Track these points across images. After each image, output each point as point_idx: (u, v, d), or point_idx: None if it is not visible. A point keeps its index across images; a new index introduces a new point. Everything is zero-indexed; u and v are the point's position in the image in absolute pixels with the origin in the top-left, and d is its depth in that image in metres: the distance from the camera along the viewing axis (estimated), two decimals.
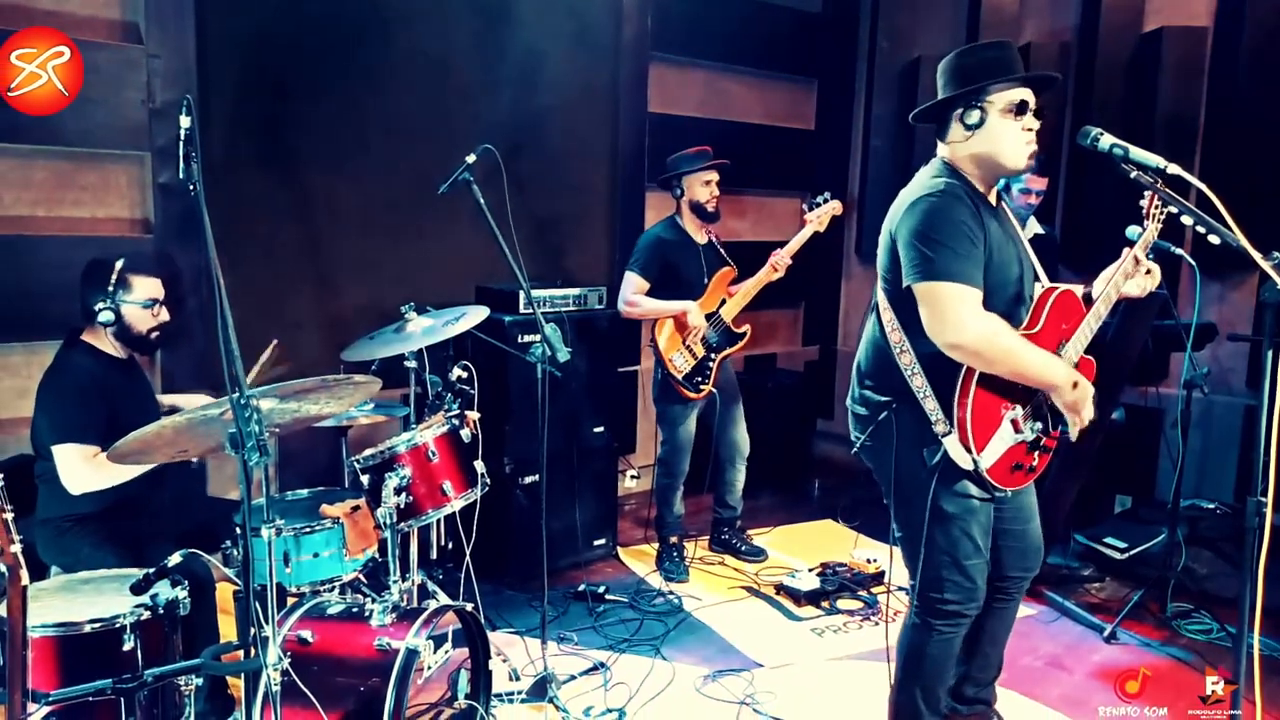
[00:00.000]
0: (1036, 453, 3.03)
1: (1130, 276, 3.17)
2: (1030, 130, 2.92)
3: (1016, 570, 3.30)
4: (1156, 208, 3.11)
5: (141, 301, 3.58)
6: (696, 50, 6.81)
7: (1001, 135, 2.91)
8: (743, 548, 5.52)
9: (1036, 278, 3.12)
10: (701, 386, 5.14)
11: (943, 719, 3.35)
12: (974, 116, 2.90)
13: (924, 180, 3.01)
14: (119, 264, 3.55)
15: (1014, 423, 2.93)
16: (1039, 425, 2.98)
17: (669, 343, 5.15)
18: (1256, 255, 2.44)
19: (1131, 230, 3.23)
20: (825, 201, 5.22)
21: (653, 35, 6.42)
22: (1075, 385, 2.89)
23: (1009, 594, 3.35)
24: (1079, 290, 3.15)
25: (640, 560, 5.48)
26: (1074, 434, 3.00)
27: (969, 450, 2.88)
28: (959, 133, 2.96)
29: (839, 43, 7.63)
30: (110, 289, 3.52)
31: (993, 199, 3.04)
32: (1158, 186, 2.76)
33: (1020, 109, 2.89)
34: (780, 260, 5.15)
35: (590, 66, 6.17)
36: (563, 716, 3.70)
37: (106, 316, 3.51)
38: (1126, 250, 3.16)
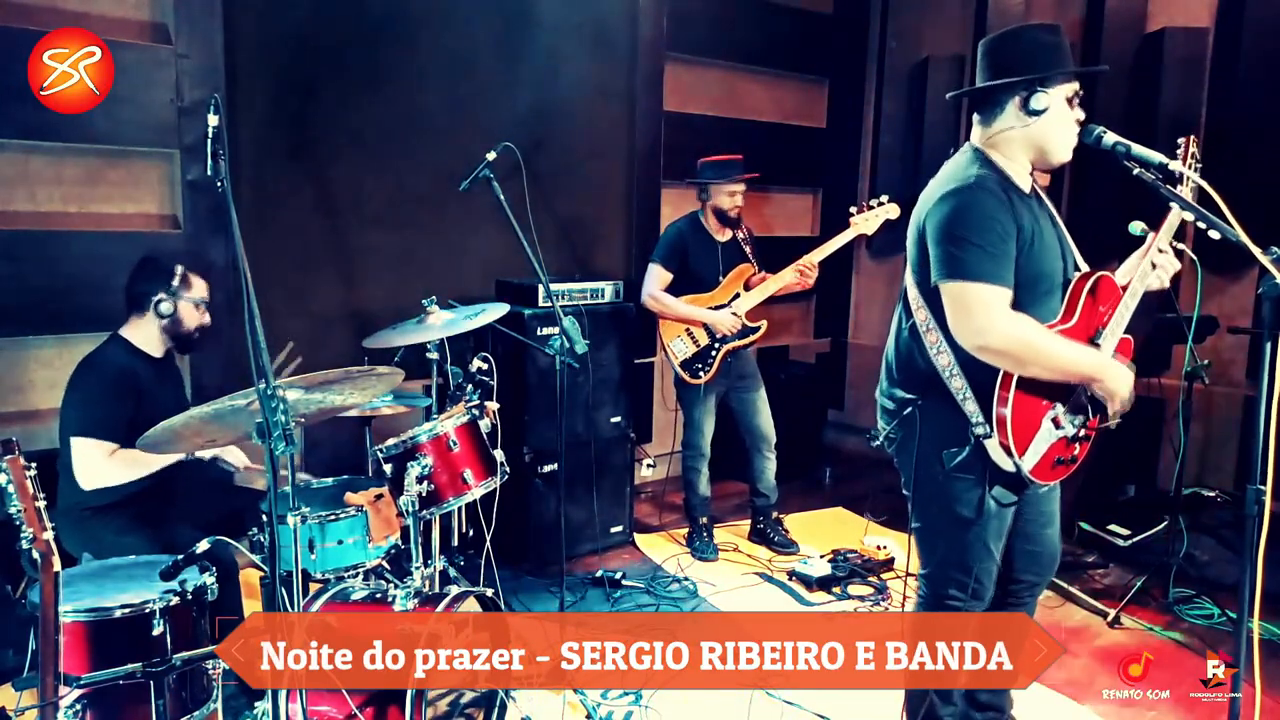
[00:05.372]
0: (1077, 444, 2.94)
1: (1156, 266, 3.00)
2: (1078, 122, 2.86)
3: (1028, 574, 3.22)
4: (1191, 161, 2.91)
5: (196, 300, 3.73)
6: (711, 50, 6.87)
7: (1059, 124, 2.84)
8: (775, 538, 5.56)
9: (1076, 266, 3.04)
10: (701, 374, 5.22)
11: (954, 708, 3.33)
12: (1042, 102, 2.79)
13: (954, 171, 2.91)
14: (181, 266, 3.71)
15: (1054, 420, 2.85)
16: (1080, 419, 2.90)
17: (669, 328, 5.25)
18: (1256, 250, 2.44)
19: (1135, 225, 3.27)
20: (880, 204, 5.07)
21: (668, 35, 6.49)
22: (1116, 371, 2.83)
23: (1019, 597, 3.25)
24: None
25: (656, 547, 5.56)
26: (1113, 422, 2.93)
27: (1010, 454, 2.82)
28: (1015, 117, 2.85)
29: (849, 43, 7.69)
30: (174, 284, 3.66)
31: (1025, 186, 2.94)
32: (1158, 182, 2.72)
33: (1075, 98, 2.85)
34: (808, 265, 5.12)
35: (608, 66, 6.24)
36: (580, 698, 3.76)
37: (167, 308, 3.64)
38: (1150, 236, 3.03)
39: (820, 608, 4.75)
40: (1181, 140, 2.93)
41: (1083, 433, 2.94)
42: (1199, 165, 2.92)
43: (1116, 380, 2.83)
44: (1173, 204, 2.90)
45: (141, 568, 3.11)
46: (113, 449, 3.44)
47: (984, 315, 2.71)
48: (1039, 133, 2.86)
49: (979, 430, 2.85)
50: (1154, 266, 3.01)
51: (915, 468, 3.02)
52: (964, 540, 2.99)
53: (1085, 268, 3.05)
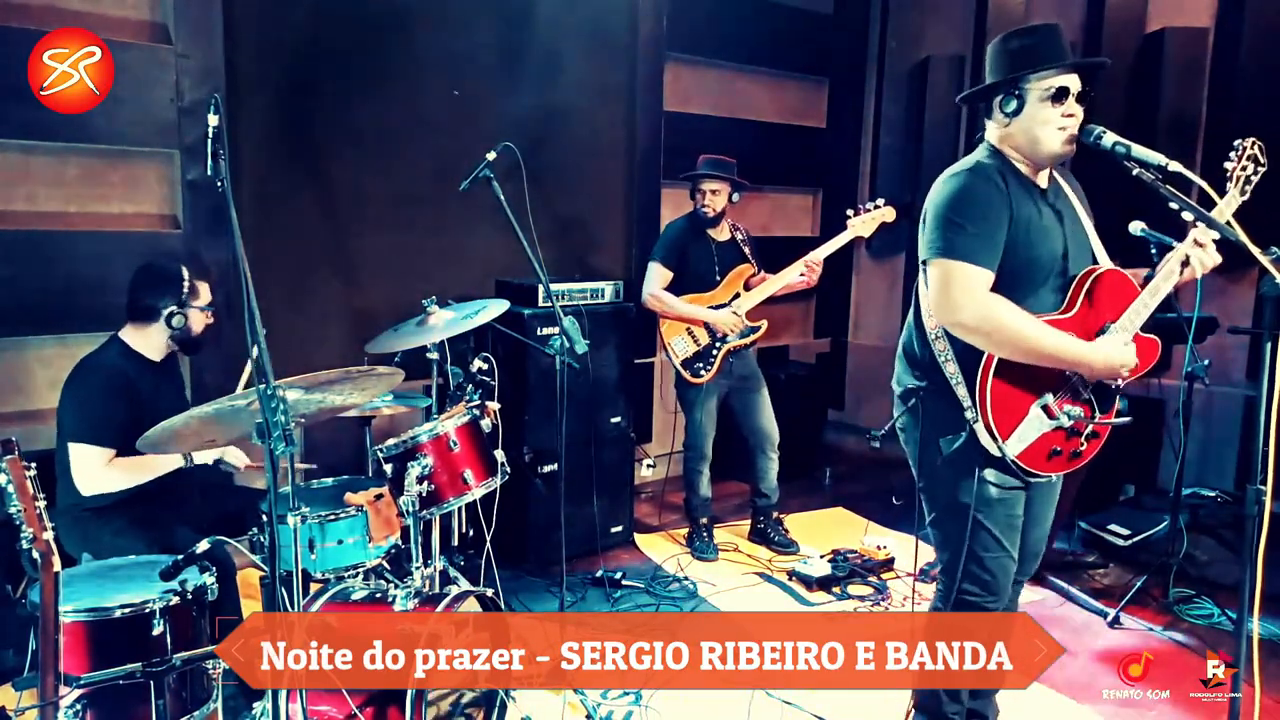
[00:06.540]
0: (1082, 438, 2.93)
1: (1189, 260, 2.95)
2: (1070, 116, 2.84)
3: None
4: (1243, 170, 2.90)
5: (203, 305, 3.71)
6: (711, 50, 6.88)
7: (1037, 122, 2.85)
8: (775, 538, 5.56)
9: (1094, 261, 3.03)
10: (702, 373, 5.23)
11: (960, 706, 3.31)
12: (1011, 105, 2.87)
13: (963, 159, 3.00)
14: (186, 271, 3.67)
15: (1045, 409, 2.85)
16: (1077, 411, 2.88)
17: (670, 328, 5.26)
18: (1256, 250, 2.46)
19: (1135, 226, 3.26)
20: (876, 207, 5.04)
21: (668, 35, 6.49)
22: (1103, 357, 2.81)
23: None
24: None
25: (656, 547, 5.56)
26: (1122, 381, 2.90)
27: (994, 437, 2.85)
28: (999, 119, 2.93)
29: (850, 43, 7.70)
30: (184, 295, 3.63)
31: (1042, 181, 2.98)
32: (1158, 182, 2.71)
33: (1058, 96, 2.82)
34: (814, 262, 5.12)
35: (608, 66, 6.25)
36: (580, 698, 3.75)
37: (179, 320, 3.62)
38: (1192, 230, 2.94)
39: (820, 608, 4.75)
40: (1240, 142, 2.90)
41: (1088, 428, 2.92)
42: (1263, 167, 2.88)
43: (1102, 360, 2.83)
44: (1173, 205, 2.83)
45: (141, 568, 3.10)
46: (110, 455, 3.43)
47: (960, 293, 2.78)
48: (1019, 131, 2.91)
49: (968, 414, 2.89)
50: (1185, 263, 2.97)
51: (919, 456, 3.08)
52: (967, 527, 2.99)
53: (1107, 264, 3.03)
